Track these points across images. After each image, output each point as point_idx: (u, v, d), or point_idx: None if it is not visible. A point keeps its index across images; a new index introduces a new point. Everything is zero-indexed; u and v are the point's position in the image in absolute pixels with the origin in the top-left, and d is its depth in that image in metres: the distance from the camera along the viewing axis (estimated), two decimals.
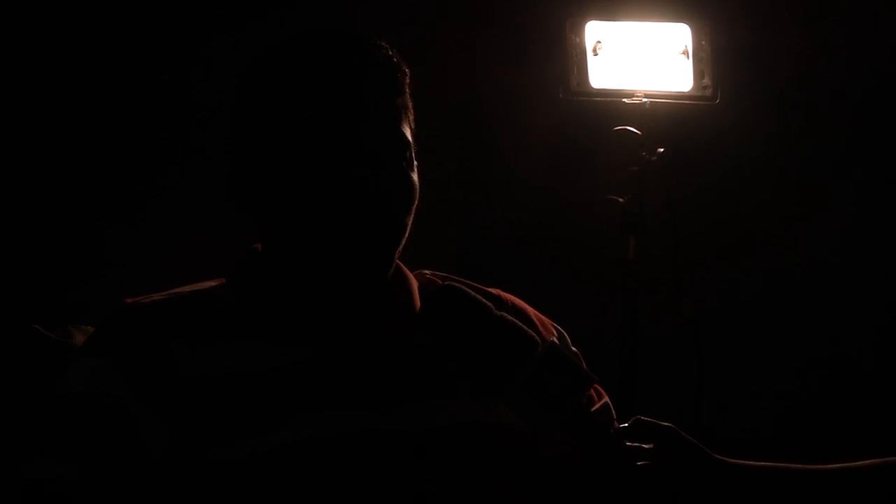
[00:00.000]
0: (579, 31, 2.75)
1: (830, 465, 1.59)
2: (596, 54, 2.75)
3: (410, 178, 1.58)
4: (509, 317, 1.51)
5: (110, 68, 3.14)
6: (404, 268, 1.66)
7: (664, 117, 2.77)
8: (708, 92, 2.73)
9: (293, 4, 3.21)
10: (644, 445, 1.52)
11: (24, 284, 3.06)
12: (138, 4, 3.17)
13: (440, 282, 1.66)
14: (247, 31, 3.14)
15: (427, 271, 1.70)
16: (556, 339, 1.67)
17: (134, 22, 3.16)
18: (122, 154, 3.17)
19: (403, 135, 1.57)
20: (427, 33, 3.30)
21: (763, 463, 1.57)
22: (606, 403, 1.70)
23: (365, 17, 3.19)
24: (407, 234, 1.59)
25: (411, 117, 1.60)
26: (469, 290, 1.53)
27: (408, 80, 1.59)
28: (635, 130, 2.75)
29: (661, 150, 2.76)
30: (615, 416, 1.70)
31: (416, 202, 1.59)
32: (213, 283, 1.63)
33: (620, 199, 2.76)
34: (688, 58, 2.71)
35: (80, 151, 3.14)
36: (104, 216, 3.15)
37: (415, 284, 1.65)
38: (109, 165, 3.15)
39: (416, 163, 1.59)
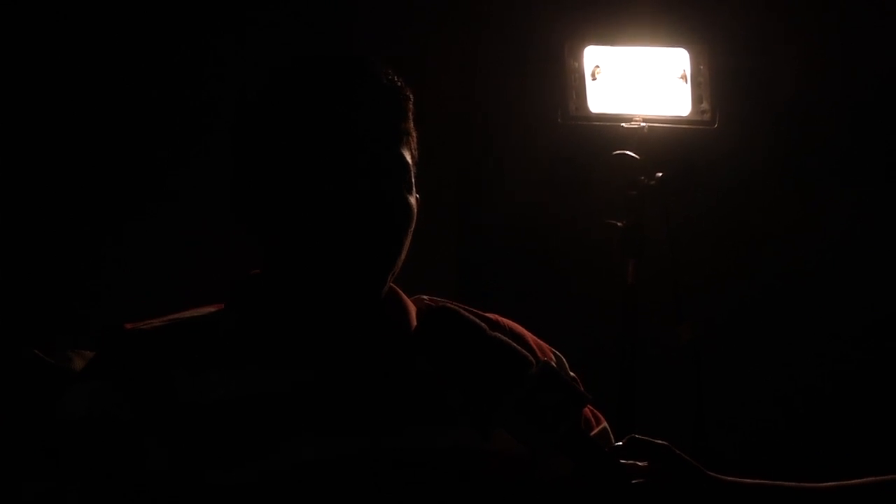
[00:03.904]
0: (578, 56, 2.76)
1: (826, 484, 1.58)
2: (594, 79, 2.76)
3: (407, 201, 1.58)
4: (504, 337, 1.51)
5: (111, 76, 3.15)
6: (400, 291, 1.66)
7: (662, 142, 2.78)
8: (706, 116, 2.74)
9: (296, 17, 3.23)
10: (639, 463, 1.53)
11: (23, 302, 3.06)
12: (144, 9, 3.17)
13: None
14: (248, 41, 3.16)
15: (425, 297, 1.70)
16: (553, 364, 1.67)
17: (136, 26, 3.17)
18: (122, 166, 3.17)
19: (403, 157, 1.58)
20: (426, 52, 3.31)
21: (758, 481, 1.57)
22: (605, 429, 1.70)
23: (365, 36, 3.20)
24: (403, 256, 1.59)
25: (413, 144, 1.61)
26: (463, 311, 1.54)
27: (411, 107, 1.60)
28: (634, 155, 2.76)
29: (660, 174, 2.77)
30: (614, 441, 1.70)
31: (413, 226, 1.59)
32: (211, 309, 1.63)
33: (619, 223, 2.77)
34: (686, 82, 2.72)
35: (78, 159, 3.14)
36: (104, 230, 3.15)
37: (412, 308, 1.66)
38: (110, 177, 3.16)
39: (415, 190, 1.60)
